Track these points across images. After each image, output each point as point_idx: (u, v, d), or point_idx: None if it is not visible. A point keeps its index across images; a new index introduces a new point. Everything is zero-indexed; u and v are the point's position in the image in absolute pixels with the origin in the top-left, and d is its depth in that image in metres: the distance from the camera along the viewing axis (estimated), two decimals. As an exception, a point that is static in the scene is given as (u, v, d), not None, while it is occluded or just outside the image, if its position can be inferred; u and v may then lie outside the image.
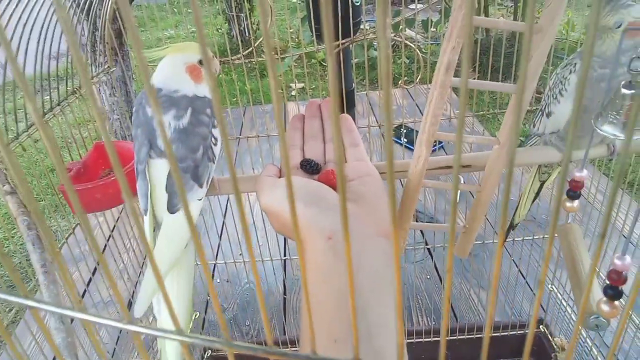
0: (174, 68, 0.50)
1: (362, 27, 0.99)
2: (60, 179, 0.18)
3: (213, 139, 0.49)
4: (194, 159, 0.47)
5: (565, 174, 0.17)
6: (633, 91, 0.39)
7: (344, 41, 0.88)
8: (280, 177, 0.40)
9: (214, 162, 0.50)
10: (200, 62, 0.50)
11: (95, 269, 1.14)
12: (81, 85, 0.63)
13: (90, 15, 0.76)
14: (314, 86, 2.88)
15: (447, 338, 0.92)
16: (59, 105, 0.54)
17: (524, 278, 1.15)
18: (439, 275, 1.22)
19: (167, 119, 0.48)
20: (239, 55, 0.79)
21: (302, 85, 2.80)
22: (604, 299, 0.38)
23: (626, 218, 0.89)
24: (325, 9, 0.13)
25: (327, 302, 0.29)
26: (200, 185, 0.48)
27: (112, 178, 0.50)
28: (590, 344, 0.90)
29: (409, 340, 0.94)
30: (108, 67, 0.73)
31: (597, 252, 0.18)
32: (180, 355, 0.50)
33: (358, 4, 0.97)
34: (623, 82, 0.40)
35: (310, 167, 0.42)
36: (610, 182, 1.20)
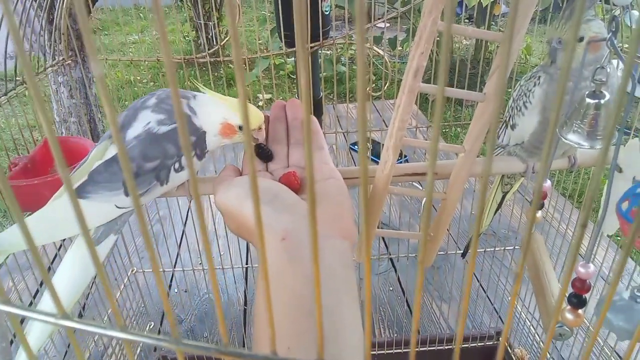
0: (215, 111, 0.46)
1: (331, 35, 0.99)
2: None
3: (177, 164, 0.46)
4: (140, 166, 0.44)
5: (541, 183, 0.16)
6: (597, 100, 0.39)
7: (312, 44, 0.88)
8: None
9: (161, 185, 0.46)
10: (240, 127, 0.47)
11: (42, 282, 1.08)
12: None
13: (44, 8, 0.72)
14: (281, 97, 2.88)
15: (407, 350, 0.92)
16: (5, 95, 0.50)
17: (485, 291, 1.17)
18: (401, 287, 1.22)
19: (150, 116, 0.44)
20: (204, 54, 0.77)
21: (269, 96, 2.79)
22: (568, 307, 0.38)
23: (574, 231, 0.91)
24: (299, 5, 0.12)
25: (280, 307, 0.28)
26: (126, 194, 0.45)
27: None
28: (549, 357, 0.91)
29: (371, 352, 0.92)
30: (63, 59, 0.70)
31: (569, 270, 0.17)
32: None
33: (327, 13, 0.97)
34: (587, 92, 0.41)
35: (262, 152, 0.42)
36: (568, 202, 1.23)
